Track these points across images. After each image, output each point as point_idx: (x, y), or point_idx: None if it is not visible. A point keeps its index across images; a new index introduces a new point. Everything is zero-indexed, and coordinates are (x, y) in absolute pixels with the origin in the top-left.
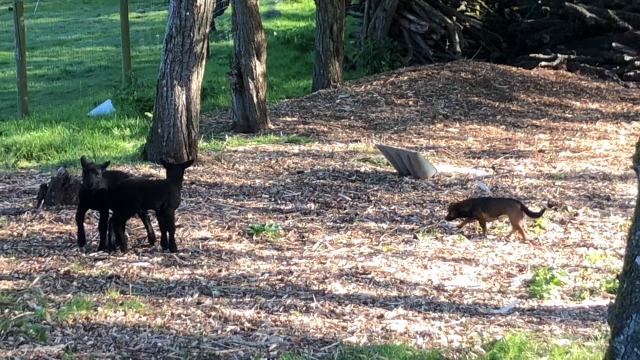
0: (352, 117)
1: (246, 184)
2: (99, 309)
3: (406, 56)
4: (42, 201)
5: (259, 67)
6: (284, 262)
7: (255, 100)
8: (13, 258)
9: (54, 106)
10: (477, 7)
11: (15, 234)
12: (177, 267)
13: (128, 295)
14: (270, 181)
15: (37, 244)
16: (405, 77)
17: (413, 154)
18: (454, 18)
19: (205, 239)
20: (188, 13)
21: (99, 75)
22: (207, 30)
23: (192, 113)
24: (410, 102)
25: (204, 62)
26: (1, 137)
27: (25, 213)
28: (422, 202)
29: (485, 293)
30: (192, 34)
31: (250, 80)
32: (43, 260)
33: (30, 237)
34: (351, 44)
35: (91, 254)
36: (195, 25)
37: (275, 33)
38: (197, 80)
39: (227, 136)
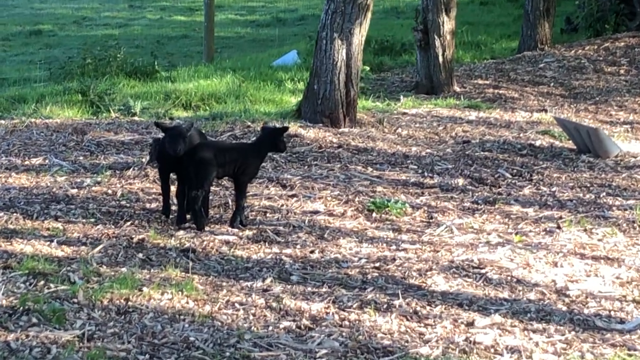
0: (551, 84)
1: (400, 151)
2: (145, 289)
3: (633, 20)
4: (151, 157)
5: (447, 24)
6: (392, 247)
7: (440, 59)
8: (92, 220)
9: (246, 54)
10: None
11: (109, 192)
12: (267, 243)
13: (188, 275)
14: (428, 150)
15: (126, 205)
16: (622, 44)
17: (593, 129)
18: None
19: (316, 212)
20: None
21: (310, 24)
22: None
23: (352, 70)
24: (621, 71)
25: (369, 15)
26: (166, 83)
27: (131, 169)
28: (590, 184)
29: (616, 302)
30: None
31: (436, 37)
32: (122, 224)
33: (124, 197)
34: (576, 5)
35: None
36: None
37: None
38: (359, 35)
39: (402, 97)
